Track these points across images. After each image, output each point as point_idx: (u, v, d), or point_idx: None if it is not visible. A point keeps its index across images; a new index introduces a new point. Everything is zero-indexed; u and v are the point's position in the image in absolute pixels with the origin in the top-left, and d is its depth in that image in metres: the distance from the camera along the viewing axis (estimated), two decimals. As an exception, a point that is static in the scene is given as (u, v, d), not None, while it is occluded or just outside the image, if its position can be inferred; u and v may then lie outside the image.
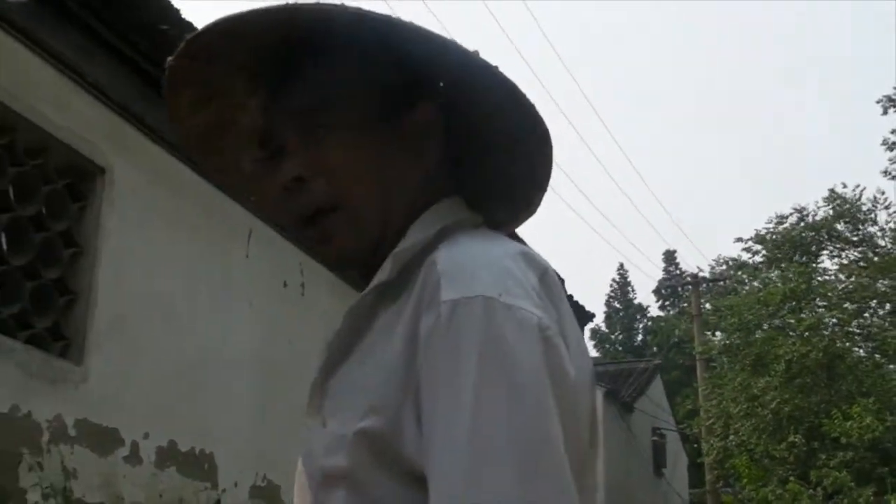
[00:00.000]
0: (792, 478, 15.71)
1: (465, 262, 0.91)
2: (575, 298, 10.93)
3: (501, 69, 0.98)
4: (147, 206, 5.64)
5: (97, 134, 5.31)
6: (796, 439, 15.87)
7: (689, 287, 25.85)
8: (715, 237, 75.45)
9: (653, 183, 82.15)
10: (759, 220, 40.93)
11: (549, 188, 1.12)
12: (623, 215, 74.22)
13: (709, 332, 22.57)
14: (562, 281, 0.98)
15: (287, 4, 0.95)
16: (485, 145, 1.09)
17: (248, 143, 1.13)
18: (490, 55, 0.99)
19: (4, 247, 4.52)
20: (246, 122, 1.13)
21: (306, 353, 6.46)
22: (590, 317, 13.96)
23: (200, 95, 1.09)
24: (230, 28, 0.99)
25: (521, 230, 1.28)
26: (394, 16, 0.95)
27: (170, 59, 1.04)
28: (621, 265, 49.99)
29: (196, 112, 1.11)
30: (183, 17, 5.37)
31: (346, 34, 0.99)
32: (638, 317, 50.07)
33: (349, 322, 1.00)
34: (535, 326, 0.86)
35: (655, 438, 22.52)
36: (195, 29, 1.05)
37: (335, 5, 0.94)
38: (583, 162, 68.53)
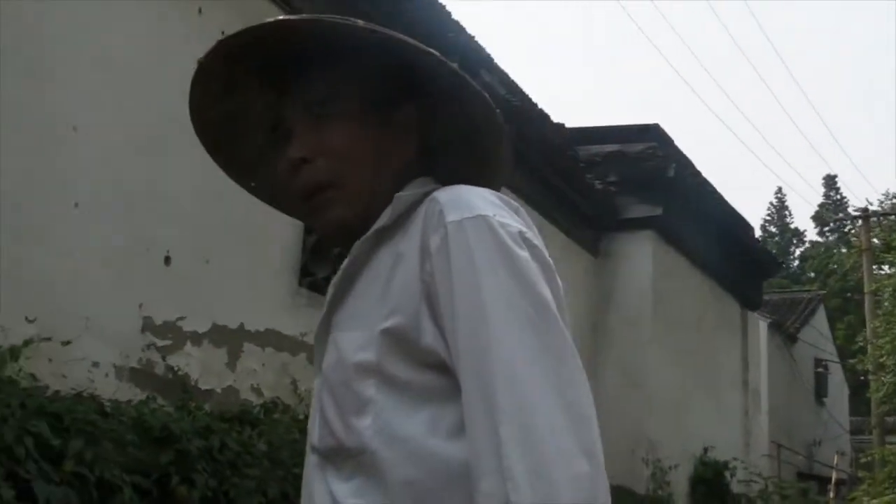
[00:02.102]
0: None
1: (462, 195, 1.11)
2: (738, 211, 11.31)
3: (469, 78, 1.19)
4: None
5: None
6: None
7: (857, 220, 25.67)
8: (882, 168, 72.30)
9: (818, 102, 79.07)
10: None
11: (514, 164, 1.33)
12: (783, 136, 71.92)
13: (875, 266, 22.53)
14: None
15: (310, 17, 1.16)
16: (453, 138, 1.28)
17: (258, 130, 1.31)
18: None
19: None
20: (257, 112, 1.29)
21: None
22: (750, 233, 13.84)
23: (222, 89, 1.26)
24: (258, 35, 1.18)
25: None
26: (392, 32, 1.15)
27: (201, 58, 1.21)
28: (779, 189, 49.34)
29: (215, 104, 1.28)
30: None
31: (354, 43, 1.18)
32: (794, 241, 49.37)
33: (351, 263, 1.19)
34: (523, 236, 1.08)
35: (820, 370, 22.86)
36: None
37: (349, 21, 1.14)
38: (742, 78, 66.66)
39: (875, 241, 24.04)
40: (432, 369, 1.07)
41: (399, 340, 1.08)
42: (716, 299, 11.35)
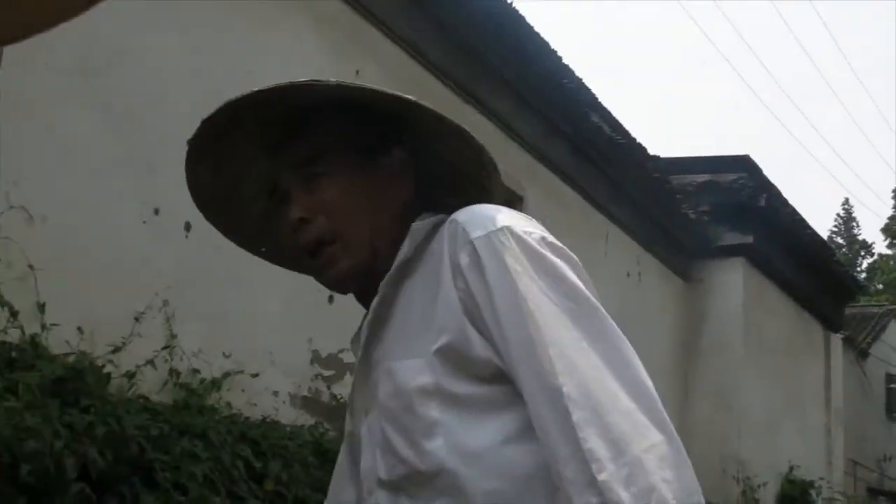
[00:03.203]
0: None
1: (479, 212, 1.14)
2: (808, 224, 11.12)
3: (447, 117, 1.21)
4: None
5: None
6: None
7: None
8: None
9: (888, 111, 77.86)
10: None
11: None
12: (852, 147, 70.95)
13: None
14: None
15: (281, 84, 1.18)
16: (445, 174, 1.30)
17: (256, 199, 1.33)
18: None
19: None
20: (252, 182, 1.32)
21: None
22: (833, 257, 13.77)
23: (213, 166, 1.29)
24: (235, 106, 1.20)
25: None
26: (364, 84, 1.19)
27: (188, 140, 1.25)
28: (846, 200, 48.85)
29: (212, 182, 1.31)
30: None
31: (329, 100, 1.21)
32: (862, 253, 48.78)
33: (381, 302, 1.20)
34: (546, 240, 1.12)
35: (892, 386, 22.78)
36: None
37: (316, 81, 1.17)
38: (808, 84, 66.02)
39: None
40: (488, 380, 1.10)
41: (452, 358, 1.10)
42: (801, 322, 11.67)
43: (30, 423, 3.19)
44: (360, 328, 1.26)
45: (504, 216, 1.13)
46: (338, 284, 1.25)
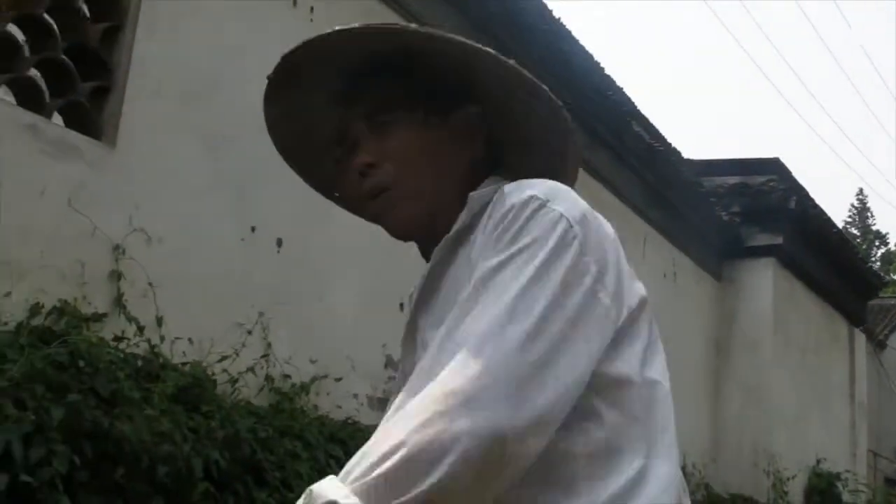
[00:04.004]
0: None
1: (523, 183, 1.12)
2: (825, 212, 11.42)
3: (529, 74, 1.19)
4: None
5: None
6: None
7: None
8: None
9: None
10: None
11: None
12: (866, 136, 70.91)
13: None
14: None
15: (362, 25, 1.18)
16: (520, 136, 1.28)
17: (328, 147, 1.32)
18: None
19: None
20: (326, 129, 1.32)
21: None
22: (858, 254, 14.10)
23: (290, 109, 1.32)
24: (313, 49, 1.23)
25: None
26: (447, 34, 1.17)
27: (268, 75, 1.28)
28: (860, 190, 49.08)
29: (287, 123, 1.34)
30: None
31: (410, 50, 1.20)
32: (877, 244, 48.88)
33: (432, 267, 1.21)
34: (578, 240, 1.05)
35: (911, 377, 22.97)
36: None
37: (406, 27, 1.20)
38: (825, 74, 66.01)
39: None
40: None
41: None
42: (827, 318, 11.99)
43: (164, 429, 3.56)
44: (414, 288, 1.27)
45: (542, 188, 1.09)
46: (397, 230, 1.25)
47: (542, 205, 1.06)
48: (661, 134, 8.64)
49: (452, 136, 1.23)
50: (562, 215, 1.06)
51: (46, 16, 3.94)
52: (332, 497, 0.93)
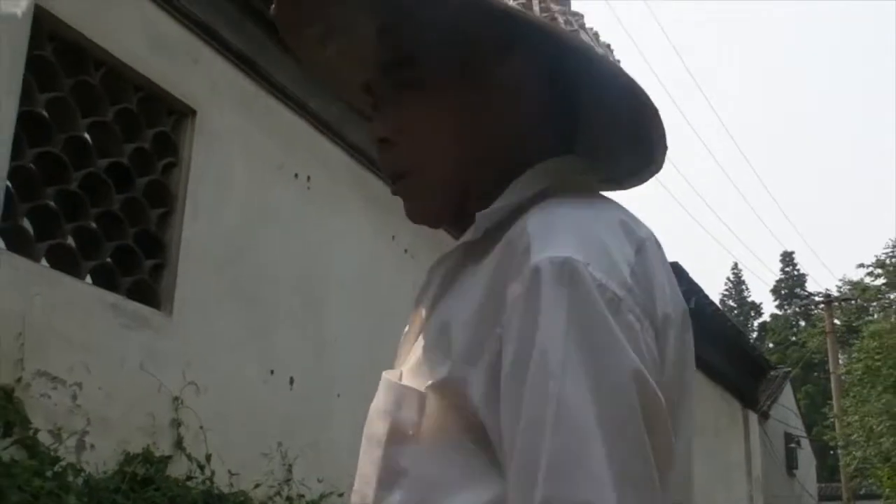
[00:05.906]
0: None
1: (557, 228, 0.85)
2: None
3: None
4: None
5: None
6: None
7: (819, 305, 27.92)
8: (836, 247, 74.31)
9: (771, 185, 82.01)
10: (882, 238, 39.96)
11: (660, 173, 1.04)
12: (737, 216, 74.66)
13: (841, 348, 24.56)
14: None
15: None
16: (584, 101, 1.02)
17: (354, 89, 1.12)
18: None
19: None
20: (357, 70, 1.10)
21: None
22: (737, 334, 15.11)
23: (323, 32, 1.10)
24: None
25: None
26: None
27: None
28: (735, 264, 51.15)
29: (320, 47, 1.12)
30: None
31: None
32: (752, 314, 51.33)
33: (434, 279, 1.00)
34: (615, 304, 0.81)
35: (792, 445, 24.62)
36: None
37: None
38: (694, 157, 69.72)
39: (837, 321, 26.45)
40: (471, 433, 0.87)
41: (446, 395, 0.88)
42: (725, 403, 13.33)
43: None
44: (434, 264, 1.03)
45: (583, 241, 0.84)
46: (414, 220, 1.05)
47: (578, 273, 0.80)
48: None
49: (490, 100, 0.98)
50: (604, 287, 0.81)
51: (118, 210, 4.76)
52: None
